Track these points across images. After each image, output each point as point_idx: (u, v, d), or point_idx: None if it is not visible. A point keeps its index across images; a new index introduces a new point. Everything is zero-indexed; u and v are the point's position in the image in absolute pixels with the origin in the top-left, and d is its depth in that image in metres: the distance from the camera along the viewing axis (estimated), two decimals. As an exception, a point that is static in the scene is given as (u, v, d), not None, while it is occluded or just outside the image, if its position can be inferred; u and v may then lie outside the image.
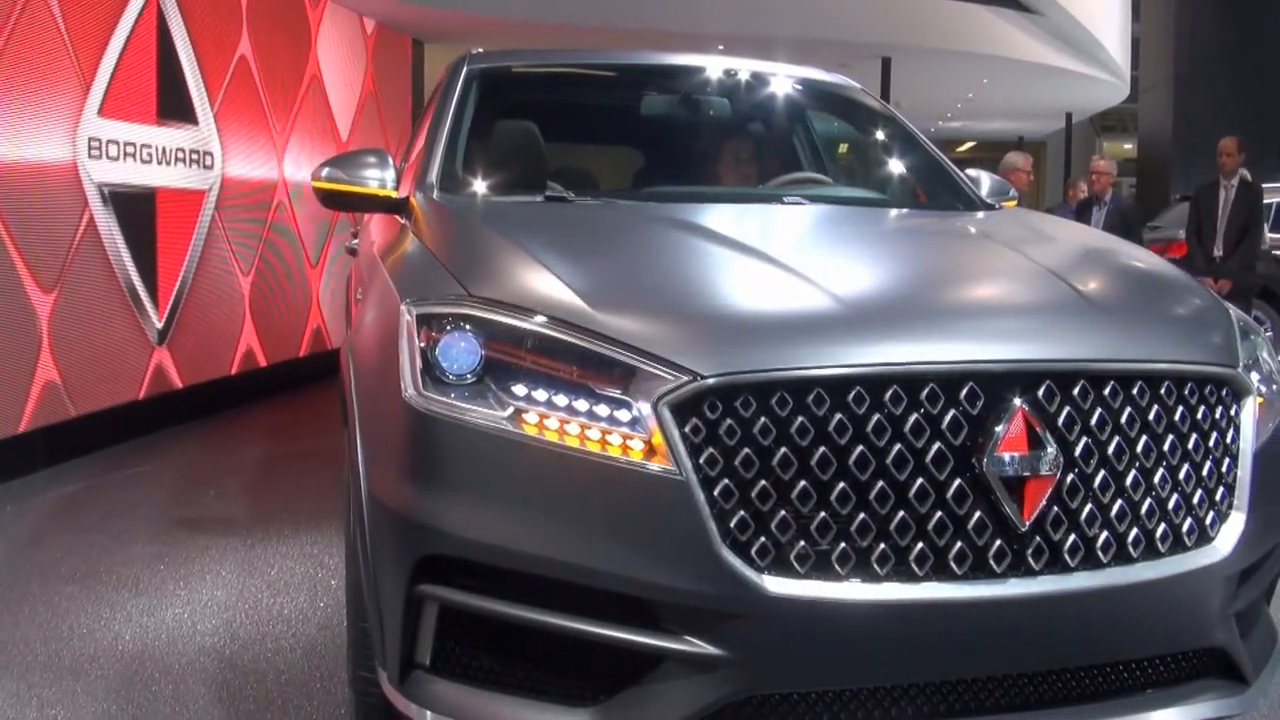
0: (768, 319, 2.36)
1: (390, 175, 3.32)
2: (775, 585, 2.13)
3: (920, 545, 2.18)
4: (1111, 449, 2.30)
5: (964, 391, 2.21)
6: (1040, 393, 2.25)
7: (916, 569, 2.18)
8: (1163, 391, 2.37)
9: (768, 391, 2.16)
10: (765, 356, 2.20)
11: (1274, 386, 2.70)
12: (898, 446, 2.18)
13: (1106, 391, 2.31)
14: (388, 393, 2.40)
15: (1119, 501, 2.30)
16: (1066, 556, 2.25)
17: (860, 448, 2.16)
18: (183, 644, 3.85)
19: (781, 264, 2.58)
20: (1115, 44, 19.97)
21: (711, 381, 2.16)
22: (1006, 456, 2.20)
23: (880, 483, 2.17)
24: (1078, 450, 2.27)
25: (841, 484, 2.16)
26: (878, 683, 2.25)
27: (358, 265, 4.14)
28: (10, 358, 5.97)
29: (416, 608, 2.32)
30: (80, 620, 4.07)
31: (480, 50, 4.35)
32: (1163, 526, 2.34)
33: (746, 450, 2.14)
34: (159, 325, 7.42)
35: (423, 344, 2.36)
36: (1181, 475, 2.37)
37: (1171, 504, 2.36)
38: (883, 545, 2.17)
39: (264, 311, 8.88)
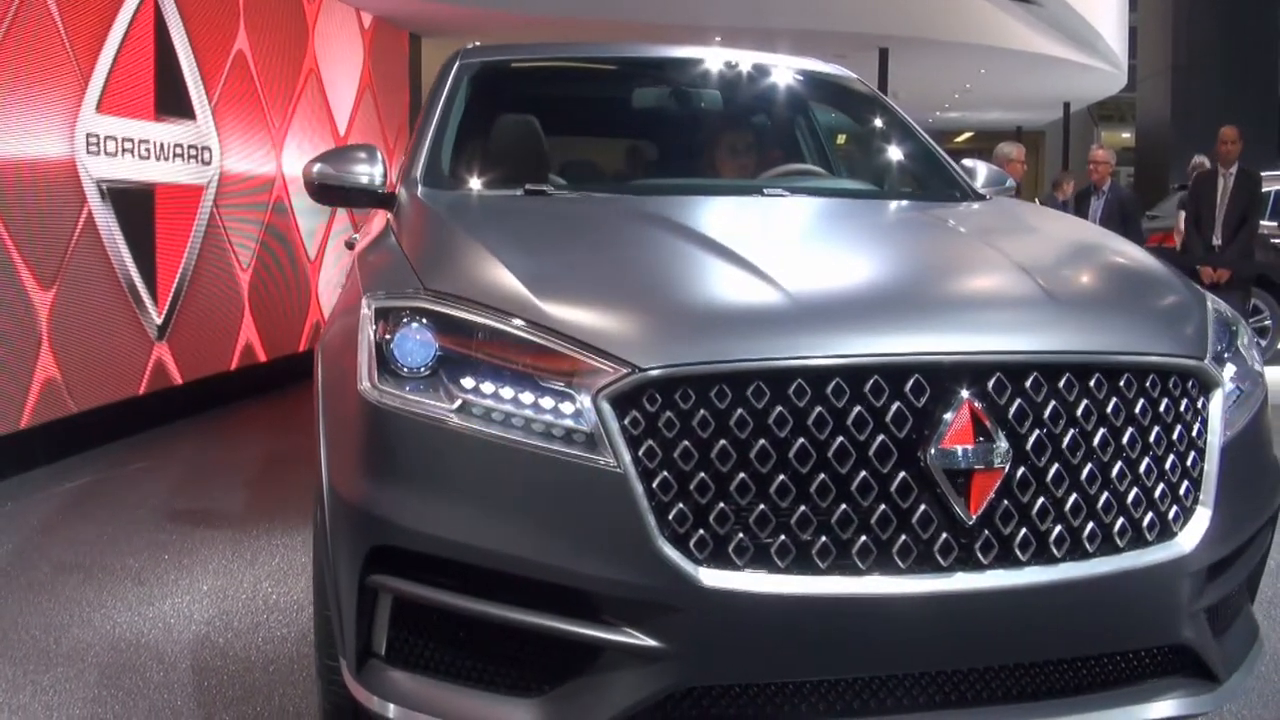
0: (711, 311, 2.37)
1: (379, 170, 3.34)
2: (712, 578, 2.13)
3: (863, 539, 2.17)
4: (1066, 442, 2.27)
5: (909, 384, 2.20)
6: (990, 385, 2.23)
7: (859, 562, 2.17)
8: (1122, 384, 2.33)
9: (707, 384, 2.17)
10: (705, 349, 2.20)
11: (1252, 381, 2.66)
12: (840, 439, 2.16)
13: (1061, 384, 2.28)
14: (347, 385, 2.45)
15: (1074, 495, 2.27)
16: (1017, 551, 2.23)
17: (801, 440, 2.16)
18: (178, 632, 3.91)
19: (738, 256, 2.57)
20: (1113, 33, 19.95)
21: (650, 374, 2.16)
22: (952, 449, 2.18)
23: (821, 475, 2.16)
24: (1029, 443, 2.24)
25: (781, 477, 2.15)
26: (821, 676, 2.24)
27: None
28: (10, 354, 5.99)
29: (371, 598, 2.35)
30: (80, 610, 4.12)
31: (475, 45, 4.36)
32: (1121, 521, 2.31)
33: (685, 443, 2.15)
34: (158, 321, 7.43)
35: (379, 337, 2.40)
36: (1142, 469, 2.33)
37: (1131, 498, 2.32)
38: (824, 538, 2.16)
39: (263, 307, 8.89)
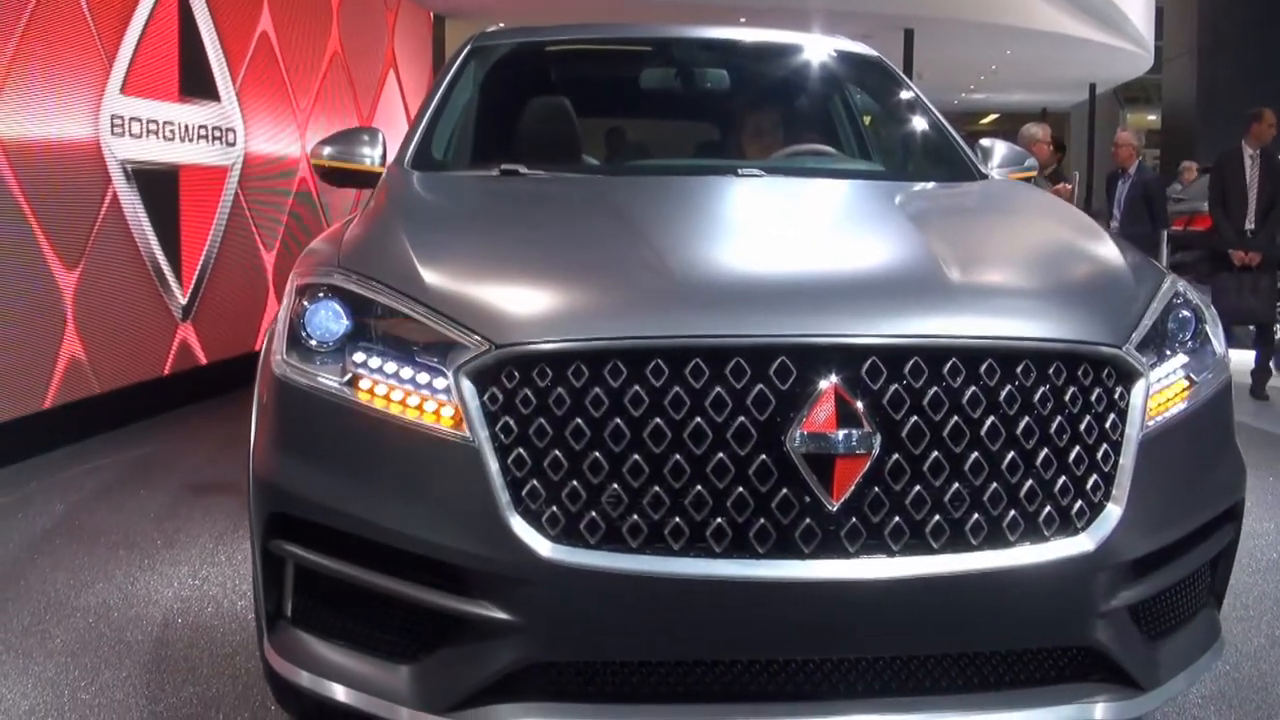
0: (581, 290, 2.38)
1: (379, 153, 3.45)
2: (561, 554, 2.14)
3: (718, 521, 2.14)
4: (948, 430, 2.17)
5: (774, 366, 2.15)
6: (864, 370, 2.16)
7: (714, 545, 2.14)
8: (1019, 371, 2.22)
9: (564, 362, 2.17)
10: (565, 327, 2.23)
11: (1213, 370, 2.55)
12: (697, 420, 2.14)
13: (947, 369, 2.19)
14: (268, 359, 2.57)
15: (954, 485, 2.18)
16: (888, 540, 2.16)
17: (656, 420, 2.14)
18: (189, 591, 4.08)
19: (642, 238, 2.56)
20: (1140, 14, 19.80)
21: (508, 350, 2.19)
22: (815, 434, 2.12)
23: (676, 456, 2.14)
24: (905, 430, 2.16)
25: (635, 457, 2.15)
26: (676, 657, 2.22)
27: None
28: (35, 334, 6.02)
29: (278, 564, 2.43)
30: (106, 569, 4.32)
31: (493, 29, 4.36)
32: (1012, 514, 2.20)
33: (541, 420, 2.16)
34: (183, 301, 7.46)
35: (294, 313, 2.48)
36: (1039, 460, 2.22)
37: (1024, 491, 2.21)
38: (677, 519, 2.14)
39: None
